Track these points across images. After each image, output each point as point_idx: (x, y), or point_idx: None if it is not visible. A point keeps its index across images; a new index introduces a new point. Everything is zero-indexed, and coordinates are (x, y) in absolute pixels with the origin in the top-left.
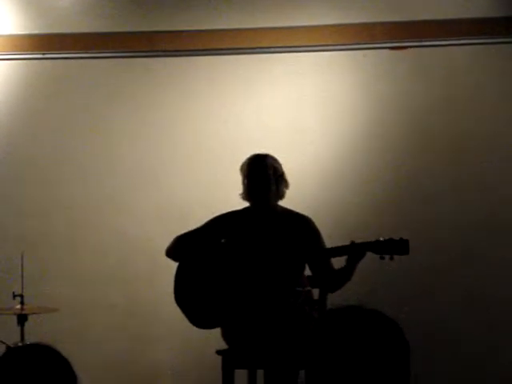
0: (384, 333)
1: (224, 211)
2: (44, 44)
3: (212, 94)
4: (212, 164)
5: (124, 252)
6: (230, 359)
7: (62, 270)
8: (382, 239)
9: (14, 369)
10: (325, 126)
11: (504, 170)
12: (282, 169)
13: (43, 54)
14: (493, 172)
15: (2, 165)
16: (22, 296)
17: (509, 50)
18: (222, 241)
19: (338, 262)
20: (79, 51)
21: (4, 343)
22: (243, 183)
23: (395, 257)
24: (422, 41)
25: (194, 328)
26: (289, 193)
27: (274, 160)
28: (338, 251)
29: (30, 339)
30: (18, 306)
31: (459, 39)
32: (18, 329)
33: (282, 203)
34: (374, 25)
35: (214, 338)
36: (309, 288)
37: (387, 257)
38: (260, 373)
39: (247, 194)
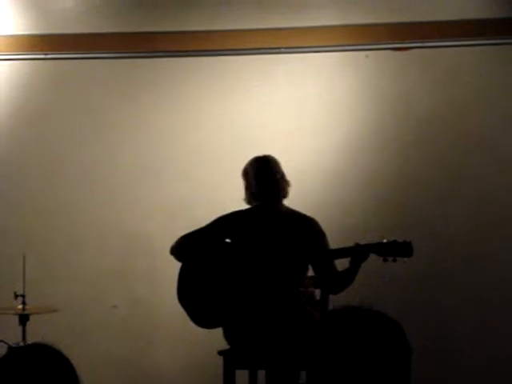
0: (385, 334)
1: (224, 210)
2: (46, 44)
3: (214, 94)
4: (214, 164)
5: (126, 252)
6: (231, 359)
7: (64, 270)
8: (385, 241)
9: (15, 369)
10: (327, 127)
11: (506, 171)
12: (282, 169)
13: (45, 54)
14: (495, 174)
15: (2, 164)
16: (23, 296)
17: None
18: (227, 241)
19: (340, 264)
20: (81, 51)
21: (6, 343)
22: (247, 187)
23: (398, 258)
24: (424, 42)
25: (196, 328)
26: (290, 193)
27: (276, 160)
28: (342, 253)
29: (31, 339)
30: (20, 306)
31: (462, 40)
32: (20, 329)
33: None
34: (376, 26)
35: (215, 338)
36: (312, 289)
37: (390, 259)
38: (261, 373)
39: (256, 196)
